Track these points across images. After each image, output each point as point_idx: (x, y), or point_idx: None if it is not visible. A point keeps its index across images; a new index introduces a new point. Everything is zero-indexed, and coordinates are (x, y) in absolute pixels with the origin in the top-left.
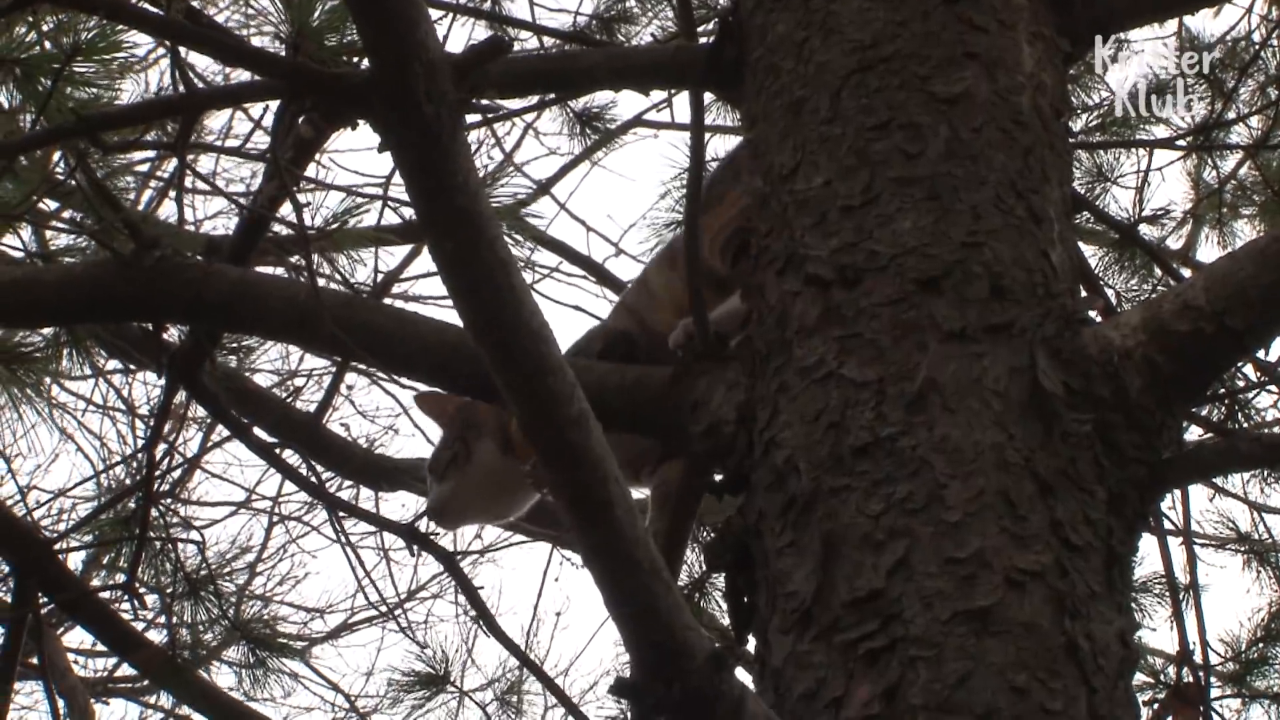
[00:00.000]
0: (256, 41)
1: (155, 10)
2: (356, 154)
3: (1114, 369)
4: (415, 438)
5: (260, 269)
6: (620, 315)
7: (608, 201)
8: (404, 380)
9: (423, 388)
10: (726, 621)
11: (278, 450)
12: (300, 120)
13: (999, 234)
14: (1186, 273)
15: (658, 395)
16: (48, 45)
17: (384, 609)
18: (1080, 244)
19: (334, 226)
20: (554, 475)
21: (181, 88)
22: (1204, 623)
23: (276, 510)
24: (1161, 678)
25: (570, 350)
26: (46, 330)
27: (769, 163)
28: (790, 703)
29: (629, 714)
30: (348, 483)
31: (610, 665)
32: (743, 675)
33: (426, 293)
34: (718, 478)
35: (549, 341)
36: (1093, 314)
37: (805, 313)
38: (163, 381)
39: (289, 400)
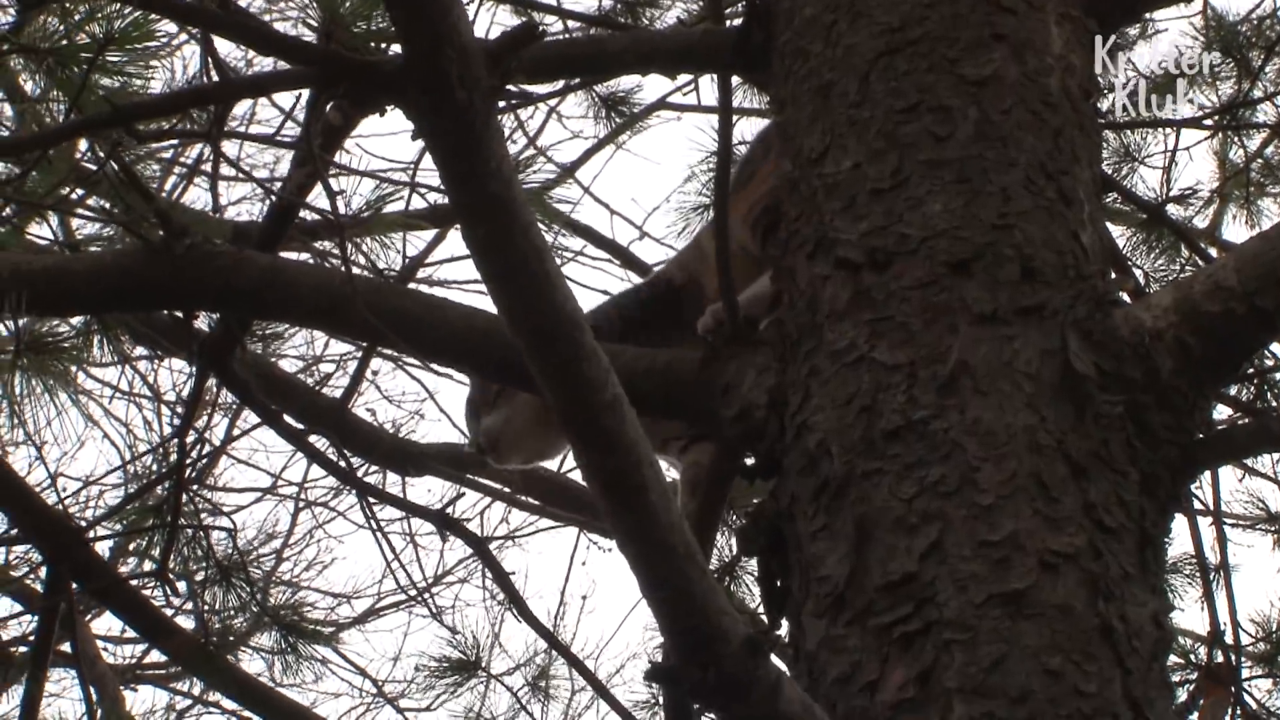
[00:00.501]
0: (284, 28)
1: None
2: (382, 139)
3: (1145, 350)
4: (441, 422)
5: (286, 255)
6: (673, 268)
7: (632, 184)
8: (432, 366)
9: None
10: (759, 605)
11: (306, 436)
12: (329, 107)
13: (1029, 216)
14: (1214, 252)
15: (689, 379)
16: (82, 34)
17: (413, 593)
18: (1109, 224)
19: (367, 214)
20: (589, 460)
21: (214, 76)
22: (1235, 603)
23: (303, 496)
24: (1193, 658)
25: (610, 303)
26: (75, 319)
27: (798, 146)
28: (825, 687)
29: (661, 698)
30: (374, 468)
31: (638, 649)
32: (777, 660)
33: (452, 277)
34: (749, 461)
35: (583, 328)
36: (1123, 295)
37: (836, 296)
38: (193, 370)
39: (316, 387)
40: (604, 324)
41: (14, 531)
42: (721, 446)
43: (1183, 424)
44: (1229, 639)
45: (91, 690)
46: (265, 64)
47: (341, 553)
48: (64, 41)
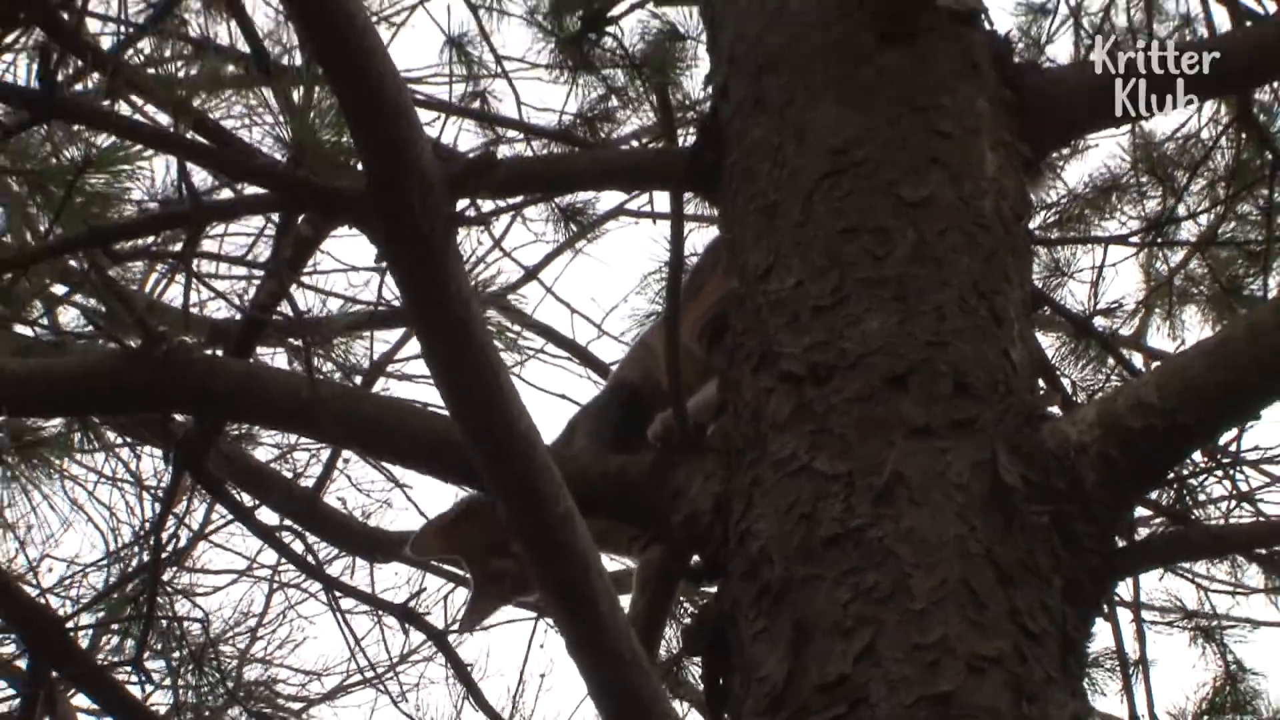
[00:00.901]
0: (255, 134)
1: (164, 127)
2: (354, 239)
3: (1071, 463)
4: (409, 510)
5: (263, 349)
6: (629, 371)
7: (591, 285)
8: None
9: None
10: (703, 702)
11: (275, 531)
12: (301, 220)
13: (962, 334)
14: (1138, 359)
15: (639, 483)
16: (68, 152)
17: (375, 675)
18: (1039, 334)
19: (336, 316)
20: (541, 570)
21: (187, 200)
22: (1152, 696)
23: (276, 578)
24: None
25: (581, 411)
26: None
27: (744, 263)
28: None
29: None
30: (344, 554)
31: None
32: None
33: (418, 373)
34: (696, 563)
35: (536, 444)
36: (1052, 408)
37: (779, 408)
38: (169, 467)
39: (291, 476)
40: (587, 433)
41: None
42: (670, 548)
43: (1105, 533)
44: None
45: None
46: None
47: (313, 632)
48: (52, 161)
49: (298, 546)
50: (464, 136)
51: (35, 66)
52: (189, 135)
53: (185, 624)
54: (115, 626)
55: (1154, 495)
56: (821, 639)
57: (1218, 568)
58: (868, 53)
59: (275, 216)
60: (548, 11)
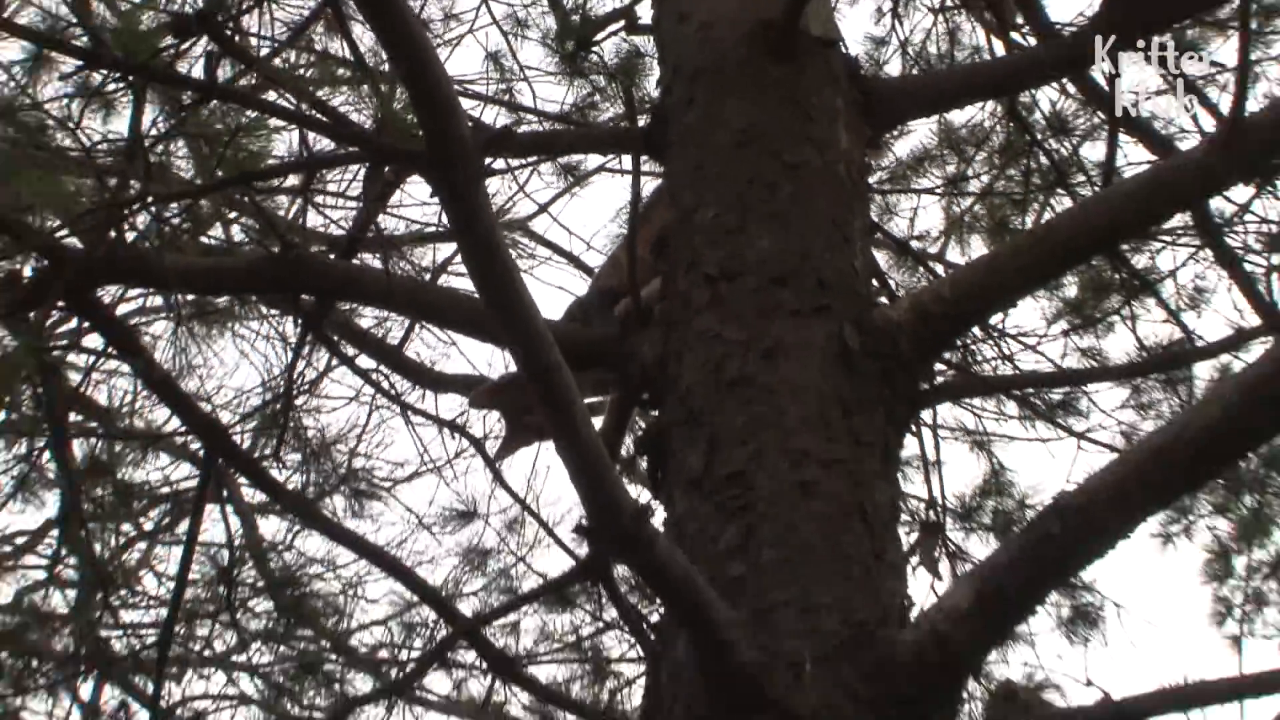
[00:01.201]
0: (358, 116)
1: (295, 107)
2: (421, 184)
3: (892, 334)
4: (460, 360)
5: (364, 254)
6: (604, 273)
7: (581, 216)
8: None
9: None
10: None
11: (373, 372)
12: (386, 170)
13: (823, 250)
14: (940, 269)
15: (609, 346)
16: (228, 122)
17: (435, 467)
18: (875, 252)
19: (403, 237)
20: (541, 401)
21: (306, 155)
22: (944, 485)
23: (373, 403)
24: (916, 517)
25: (575, 301)
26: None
27: (680, 202)
28: (686, 541)
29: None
30: (416, 389)
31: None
32: (656, 523)
33: (462, 272)
34: (645, 398)
35: (535, 318)
36: (881, 300)
37: (700, 297)
38: (298, 330)
39: (382, 338)
40: (580, 314)
41: (184, 427)
42: (628, 388)
43: (914, 379)
44: (940, 505)
45: (235, 522)
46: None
47: (396, 439)
48: (217, 127)
49: (387, 385)
50: (500, 120)
51: (204, 65)
52: (310, 113)
53: (310, 432)
54: (264, 433)
55: (947, 355)
56: (725, 447)
57: (988, 402)
58: (764, 67)
59: (366, 167)
60: (555, 37)
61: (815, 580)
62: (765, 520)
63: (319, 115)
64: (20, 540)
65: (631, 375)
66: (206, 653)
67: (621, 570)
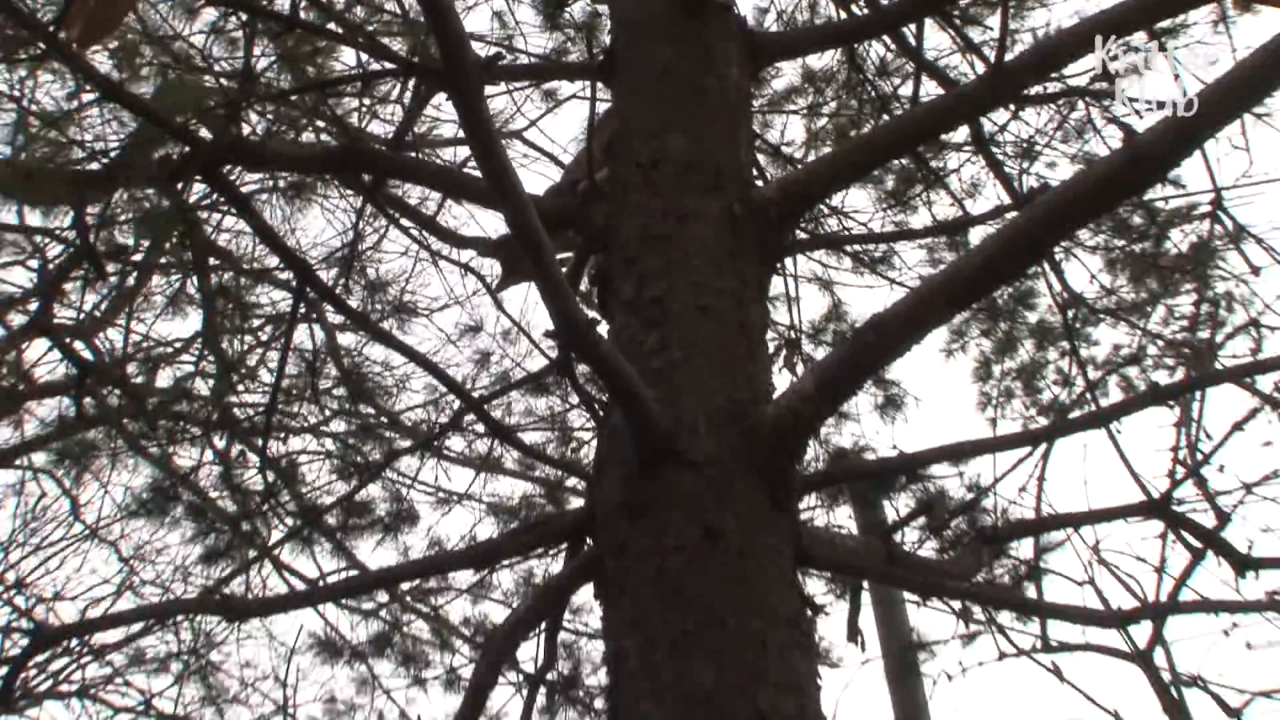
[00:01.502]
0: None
1: (349, 34)
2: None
3: (765, 206)
4: (473, 224)
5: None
6: (571, 168)
7: (559, 128)
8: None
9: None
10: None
11: (419, 231)
12: (417, 85)
13: (719, 145)
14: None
15: (574, 213)
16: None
17: (458, 302)
18: (756, 154)
19: (431, 139)
20: (526, 250)
21: (361, 71)
22: (801, 312)
23: (417, 256)
24: (781, 336)
25: (552, 184)
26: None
27: (622, 115)
28: (622, 345)
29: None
30: (445, 247)
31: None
32: (602, 331)
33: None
34: (594, 247)
35: (524, 195)
36: (759, 183)
37: (634, 179)
38: (361, 200)
39: (416, 205)
40: (555, 193)
41: (284, 266)
42: (585, 242)
43: (781, 235)
44: (797, 328)
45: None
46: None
47: (433, 282)
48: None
49: (426, 242)
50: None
51: (289, 6)
52: (361, 40)
53: (371, 273)
54: (340, 271)
55: (803, 223)
56: (650, 281)
57: (830, 256)
58: (681, 21)
59: (406, 83)
60: (540, 1)
61: (709, 372)
62: (676, 330)
63: (368, 41)
64: (176, 345)
65: (588, 233)
66: (299, 422)
67: (581, 368)
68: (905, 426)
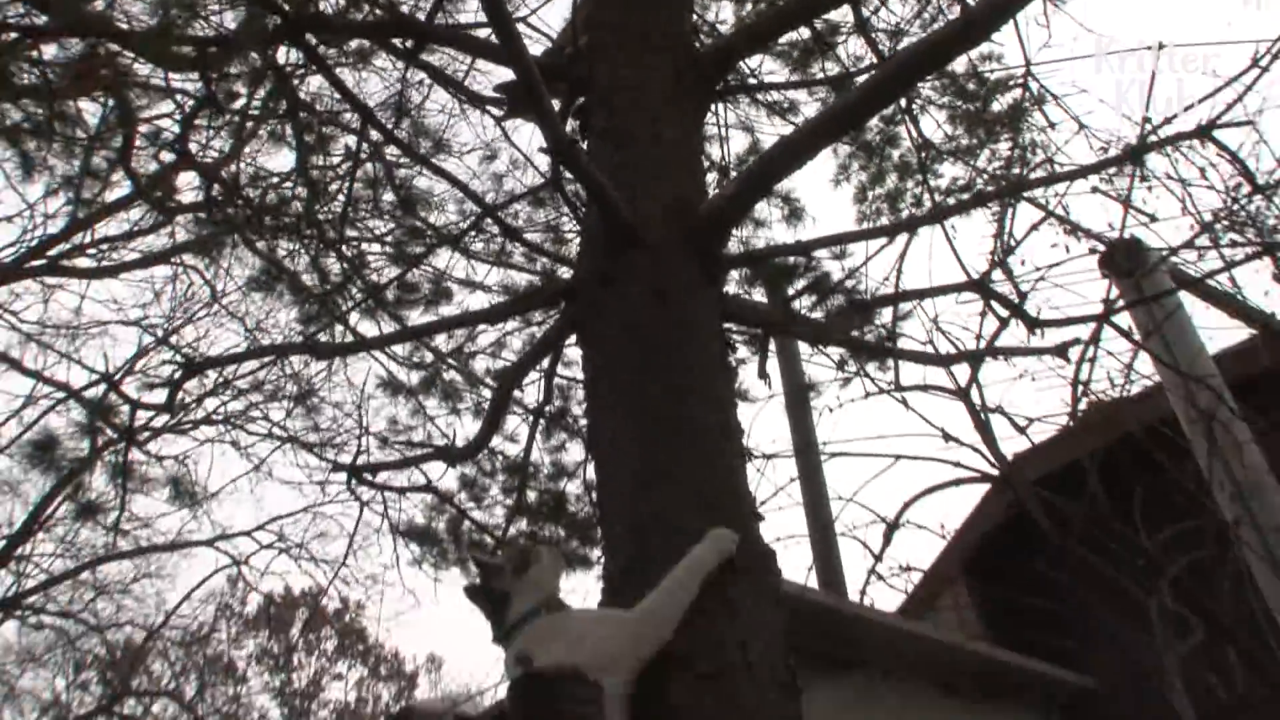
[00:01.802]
0: None
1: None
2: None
3: (703, 59)
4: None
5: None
6: (560, 36)
7: (552, 14)
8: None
9: None
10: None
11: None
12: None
13: (671, 19)
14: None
15: (563, 68)
16: None
17: (484, 142)
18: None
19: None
20: (526, 93)
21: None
22: (730, 150)
23: (450, 109)
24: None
25: (546, 48)
26: None
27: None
28: (595, 158)
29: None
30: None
31: None
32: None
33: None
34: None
35: (526, 54)
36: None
37: (609, 44)
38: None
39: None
40: (548, 54)
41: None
42: (570, 89)
43: (713, 83)
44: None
45: None
46: None
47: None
48: None
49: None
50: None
51: None
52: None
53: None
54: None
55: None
56: (618, 112)
57: (753, 107)
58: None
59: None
60: None
61: (661, 179)
62: (637, 146)
63: None
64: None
65: (573, 81)
66: (364, 229)
67: (568, 179)
68: (804, 233)
